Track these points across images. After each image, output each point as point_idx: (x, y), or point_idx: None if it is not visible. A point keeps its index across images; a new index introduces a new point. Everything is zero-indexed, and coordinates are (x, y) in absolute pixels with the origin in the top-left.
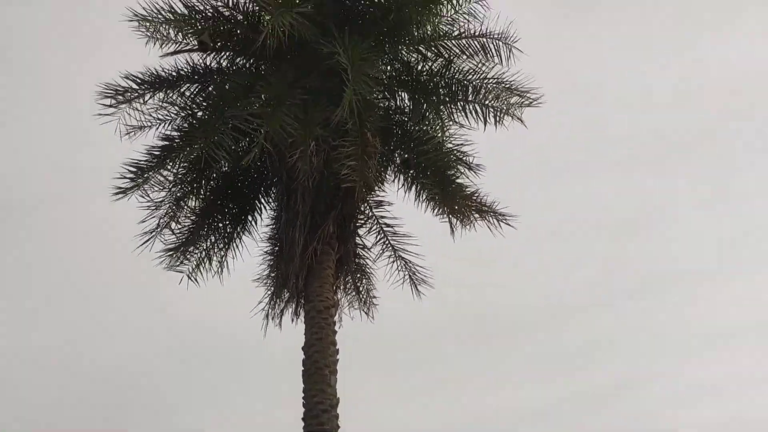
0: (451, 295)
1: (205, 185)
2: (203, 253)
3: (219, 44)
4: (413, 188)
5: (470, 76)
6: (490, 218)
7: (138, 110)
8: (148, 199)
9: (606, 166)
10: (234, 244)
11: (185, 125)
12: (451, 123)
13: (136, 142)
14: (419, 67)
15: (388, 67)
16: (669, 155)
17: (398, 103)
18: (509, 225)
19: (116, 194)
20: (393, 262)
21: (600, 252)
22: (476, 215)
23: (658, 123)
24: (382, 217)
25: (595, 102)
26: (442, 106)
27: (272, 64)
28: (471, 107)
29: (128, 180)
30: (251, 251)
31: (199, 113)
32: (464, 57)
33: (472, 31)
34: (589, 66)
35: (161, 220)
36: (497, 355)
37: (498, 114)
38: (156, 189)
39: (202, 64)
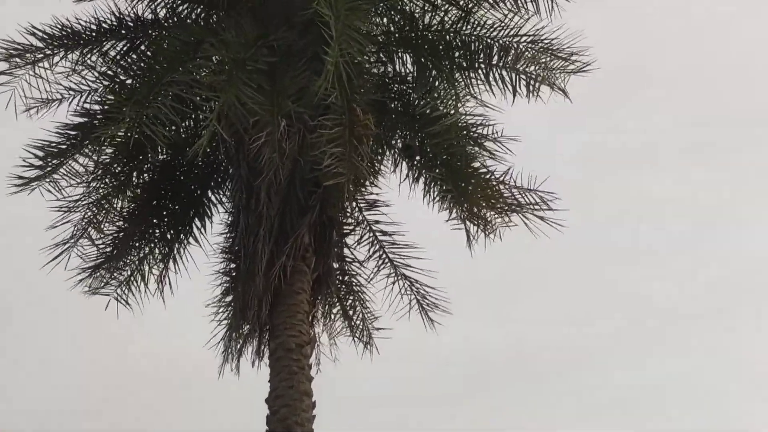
0: (470, 326)
1: (136, 178)
2: (134, 268)
3: None
4: (420, 182)
5: (495, 33)
6: (532, 214)
7: (43, 78)
8: (60, 196)
9: (669, 153)
10: (178, 257)
11: (109, 97)
12: (468, 95)
13: (42, 120)
14: (426, 20)
15: (385, 20)
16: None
17: (398, 68)
18: (556, 225)
19: (15, 186)
20: (394, 282)
21: (664, 262)
22: (508, 213)
23: (734, 103)
24: (377, 222)
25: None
26: (457, 73)
27: (228, 14)
28: (496, 73)
29: (33, 168)
30: (201, 268)
31: (128, 81)
32: (487, 6)
33: None
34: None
35: (78, 227)
36: (527, 406)
37: (531, 82)
38: (71, 184)
39: (132, 14)
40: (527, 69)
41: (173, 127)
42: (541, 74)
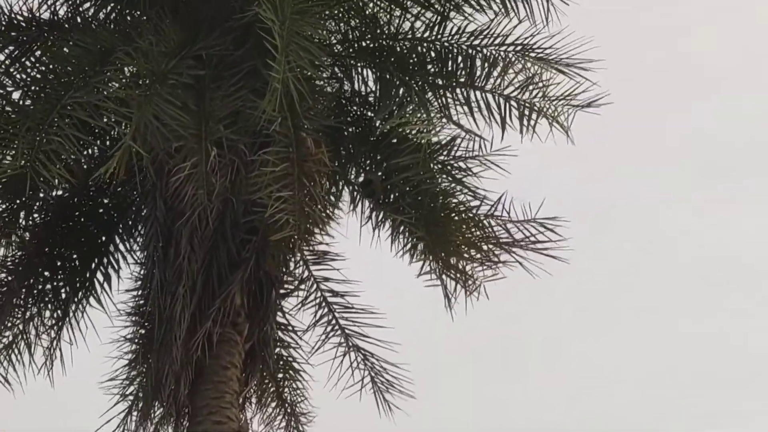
0: (442, 409)
1: (24, 219)
2: (19, 336)
3: None
4: (385, 226)
5: (478, 42)
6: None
7: None
8: None
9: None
10: (71, 322)
11: None
12: (443, 120)
13: None
14: (393, 26)
15: (342, 26)
16: None
17: (357, 86)
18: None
19: None
20: (344, 355)
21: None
22: (498, 257)
23: None
24: (326, 279)
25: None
26: (430, 92)
27: (145, 16)
28: (480, 96)
29: None
30: (102, 334)
31: (18, 96)
32: (468, 9)
33: None
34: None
35: None
36: None
37: (525, 113)
38: None
39: (26, 12)
40: (520, 97)
41: (72, 157)
42: (538, 105)
